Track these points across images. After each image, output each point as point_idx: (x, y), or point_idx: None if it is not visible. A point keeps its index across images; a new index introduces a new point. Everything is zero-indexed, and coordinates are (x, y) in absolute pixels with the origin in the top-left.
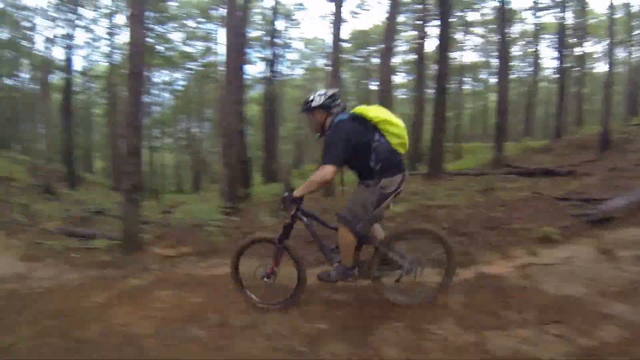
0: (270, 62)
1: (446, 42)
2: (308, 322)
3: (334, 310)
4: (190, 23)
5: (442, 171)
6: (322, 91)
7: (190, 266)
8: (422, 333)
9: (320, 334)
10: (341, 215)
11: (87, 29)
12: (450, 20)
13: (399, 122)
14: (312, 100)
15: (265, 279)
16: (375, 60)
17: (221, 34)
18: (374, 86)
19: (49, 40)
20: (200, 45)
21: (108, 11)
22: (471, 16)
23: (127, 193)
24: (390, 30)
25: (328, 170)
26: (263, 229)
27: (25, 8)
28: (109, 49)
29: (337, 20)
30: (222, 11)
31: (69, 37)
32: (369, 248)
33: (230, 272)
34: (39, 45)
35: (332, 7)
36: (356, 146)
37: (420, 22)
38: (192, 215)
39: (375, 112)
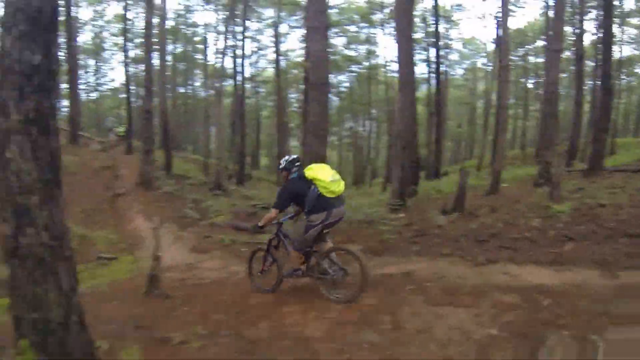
0: (436, 64)
1: (609, 40)
2: (480, 327)
3: (504, 313)
4: (352, 28)
5: (602, 168)
6: (288, 157)
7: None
8: None
9: (492, 341)
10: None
11: (253, 39)
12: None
13: (326, 177)
14: (280, 164)
15: (259, 273)
16: (532, 59)
17: (380, 37)
18: (531, 84)
19: (218, 52)
20: (362, 48)
21: (271, 22)
22: (627, 5)
23: None
24: (557, 31)
25: (273, 213)
26: (433, 228)
27: (195, 25)
28: (274, 55)
29: (505, 15)
30: (380, 15)
31: (237, 47)
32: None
33: (246, 269)
34: (210, 56)
35: (491, 6)
36: (297, 196)
37: (579, 17)
38: (359, 210)
39: (310, 172)
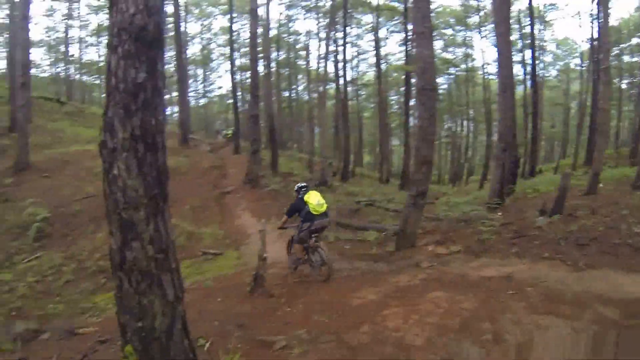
0: (532, 65)
1: None
2: (578, 346)
3: (606, 333)
4: (448, 31)
5: None
6: (301, 184)
7: (461, 265)
8: None
9: None
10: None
11: (353, 44)
12: None
13: (314, 201)
14: (296, 187)
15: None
16: (626, 58)
17: (477, 40)
18: (625, 85)
19: (320, 57)
20: (459, 51)
21: (370, 27)
22: None
23: (413, 198)
24: None
25: (284, 217)
26: (533, 229)
27: (297, 33)
28: (374, 59)
29: (605, 17)
30: (476, 18)
31: (338, 52)
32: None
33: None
34: (312, 61)
35: (586, 3)
36: (297, 210)
37: None
38: (457, 208)
39: (307, 197)
